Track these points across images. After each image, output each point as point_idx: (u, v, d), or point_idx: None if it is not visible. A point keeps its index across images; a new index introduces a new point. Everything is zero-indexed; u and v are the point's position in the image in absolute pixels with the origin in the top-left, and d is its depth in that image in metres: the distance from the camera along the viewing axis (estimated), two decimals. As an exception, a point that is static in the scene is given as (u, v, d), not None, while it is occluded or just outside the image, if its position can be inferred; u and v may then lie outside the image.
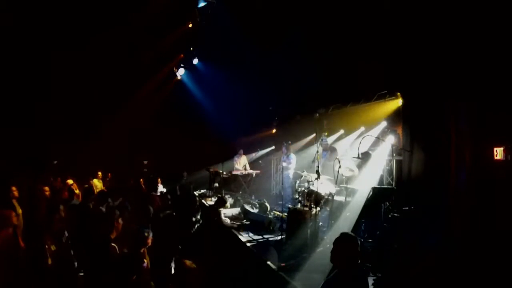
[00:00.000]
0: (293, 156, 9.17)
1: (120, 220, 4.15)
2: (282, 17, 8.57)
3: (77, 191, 7.49)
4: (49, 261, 3.82)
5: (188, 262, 3.17)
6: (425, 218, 5.52)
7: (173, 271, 4.36)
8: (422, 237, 5.24)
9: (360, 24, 7.12)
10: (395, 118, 7.19)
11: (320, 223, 5.88)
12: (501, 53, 4.71)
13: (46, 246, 3.88)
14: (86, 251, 4.07)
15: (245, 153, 11.34)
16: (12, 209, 4.93)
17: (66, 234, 4.28)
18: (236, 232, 6.68)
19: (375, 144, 7.06)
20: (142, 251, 3.89)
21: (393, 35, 6.53)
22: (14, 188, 5.50)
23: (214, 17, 9.92)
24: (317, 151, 6.08)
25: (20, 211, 5.33)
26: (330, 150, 7.69)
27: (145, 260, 3.85)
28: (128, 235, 4.09)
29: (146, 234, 3.91)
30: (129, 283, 3.29)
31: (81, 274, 4.13)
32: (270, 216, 7.36)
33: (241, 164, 10.88)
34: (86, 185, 8.29)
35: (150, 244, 3.95)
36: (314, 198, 5.74)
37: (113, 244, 3.83)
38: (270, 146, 12.31)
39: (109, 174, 11.01)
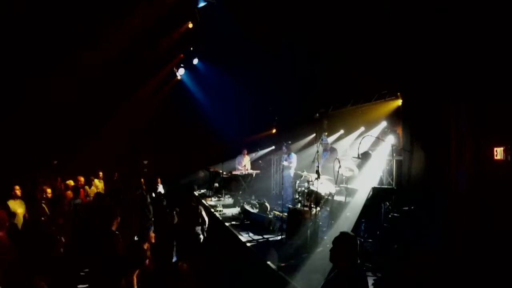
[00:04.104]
0: (294, 155, 9.18)
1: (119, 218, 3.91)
2: (282, 17, 8.56)
3: (68, 192, 7.34)
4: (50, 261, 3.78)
5: (184, 264, 3.15)
6: (425, 218, 5.51)
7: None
8: (422, 237, 5.24)
9: (361, 24, 7.12)
10: (395, 118, 7.19)
11: (320, 223, 5.88)
12: (501, 53, 4.71)
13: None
14: (89, 246, 3.97)
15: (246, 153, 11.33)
16: (8, 209, 4.92)
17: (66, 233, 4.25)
18: (236, 232, 6.69)
19: (375, 144, 7.06)
20: (146, 247, 3.76)
21: (393, 35, 6.53)
22: (17, 187, 5.46)
23: (214, 17, 9.92)
24: (317, 151, 6.07)
25: (19, 210, 5.31)
26: (330, 150, 7.68)
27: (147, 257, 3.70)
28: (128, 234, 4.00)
29: (149, 231, 3.88)
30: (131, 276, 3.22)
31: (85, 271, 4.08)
32: (270, 216, 7.36)
33: (243, 164, 10.87)
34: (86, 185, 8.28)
35: (152, 240, 3.89)
36: (314, 198, 5.74)
37: (116, 232, 3.66)
38: (270, 146, 12.30)
39: (116, 174, 11.00)
